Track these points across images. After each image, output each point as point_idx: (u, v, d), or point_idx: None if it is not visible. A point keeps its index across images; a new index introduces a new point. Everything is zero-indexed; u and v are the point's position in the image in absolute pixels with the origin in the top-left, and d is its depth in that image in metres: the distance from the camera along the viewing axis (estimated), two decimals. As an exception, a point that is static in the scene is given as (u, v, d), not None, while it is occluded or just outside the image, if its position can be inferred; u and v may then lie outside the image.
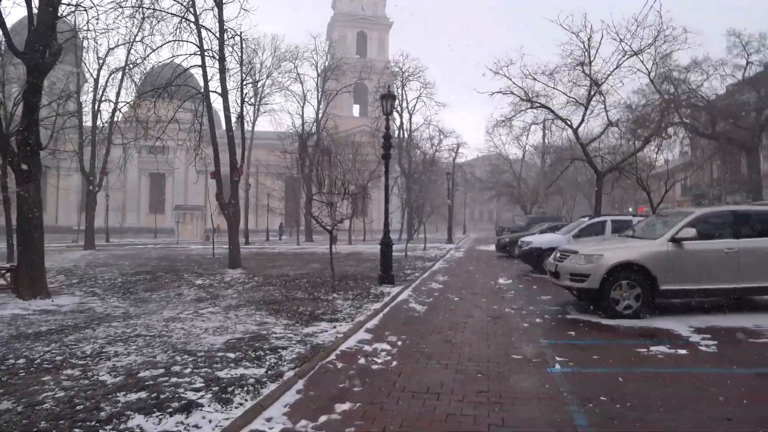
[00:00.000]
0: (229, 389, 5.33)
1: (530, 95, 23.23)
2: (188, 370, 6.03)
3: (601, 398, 5.15)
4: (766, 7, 73.01)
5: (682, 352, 6.96)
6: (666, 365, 6.38)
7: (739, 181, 44.13)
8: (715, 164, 52.48)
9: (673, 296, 9.48)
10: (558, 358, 6.62)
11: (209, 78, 20.64)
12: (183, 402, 4.99)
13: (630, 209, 79.17)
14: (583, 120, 23.59)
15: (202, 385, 5.48)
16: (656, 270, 9.21)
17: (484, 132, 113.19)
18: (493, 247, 30.29)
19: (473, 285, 14.29)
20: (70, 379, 5.84)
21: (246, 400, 5.09)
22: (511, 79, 23.16)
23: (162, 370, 6.05)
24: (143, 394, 5.22)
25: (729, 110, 33.80)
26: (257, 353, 6.78)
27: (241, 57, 21.78)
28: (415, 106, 46.58)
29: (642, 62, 22.76)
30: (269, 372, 5.98)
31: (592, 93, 22.83)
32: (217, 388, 5.36)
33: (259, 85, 53.38)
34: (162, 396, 5.16)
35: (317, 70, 46.76)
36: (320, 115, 46.12)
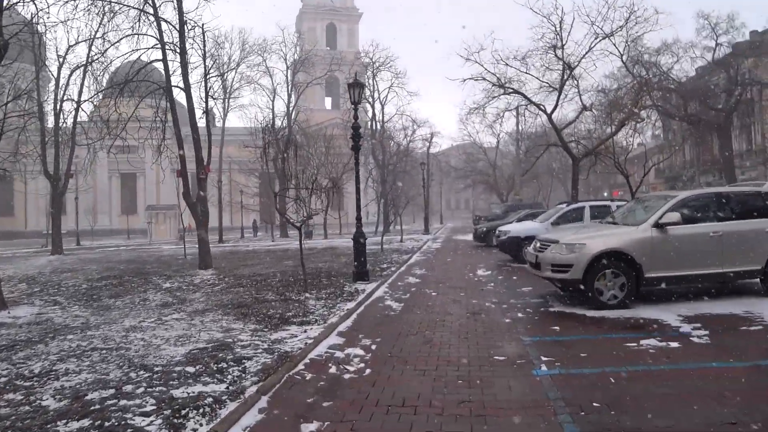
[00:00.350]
0: (183, 412, 4.77)
1: (503, 81, 22.83)
2: (141, 390, 5.45)
3: (594, 404, 4.72)
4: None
5: (674, 345, 6.57)
6: (659, 361, 5.99)
7: (711, 162, 44.54)
8: (687, 146, 52.98)
9: (659, 284, 9.12)
10: (543, 358, 6.19)
11: (171, 72, 19.87)
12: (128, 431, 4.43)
13: (605, 194, 79.84)
14: (557, 105, 23.35)
15: (153, 407, 4.91)
16: (641, 257, 8.86)
17: (458, 121, 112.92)
18: (470, 237, 29.97)
19: (451, 278, 13.86)
20: (9, 405, 5.22)
21: (201, 425, 4.54)
22: (482, 65, 22.82)
23: (112, 391, 5.47)
24: (86, 423, 4.65)
25: (700, 92, 33.94)
26: (219, 366, 6.23)
27: (204, 50, 21.08)
28: (387, 96, 46.04)
29: (614, 45, 22.57)
30: (230, 388, 5.43)
31: (566, 77, 22.48)
32: (170, 411, 4.81)
33: (227, 79, 52.58)
34: (106, 424, 4.60)
35: (286, 63, 45.93)
36: (291, 109, 45.35)
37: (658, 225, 9.02)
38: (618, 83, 27.24)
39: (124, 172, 66.70)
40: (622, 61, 23.34)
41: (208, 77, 21.18)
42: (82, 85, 30.04)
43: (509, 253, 16.97)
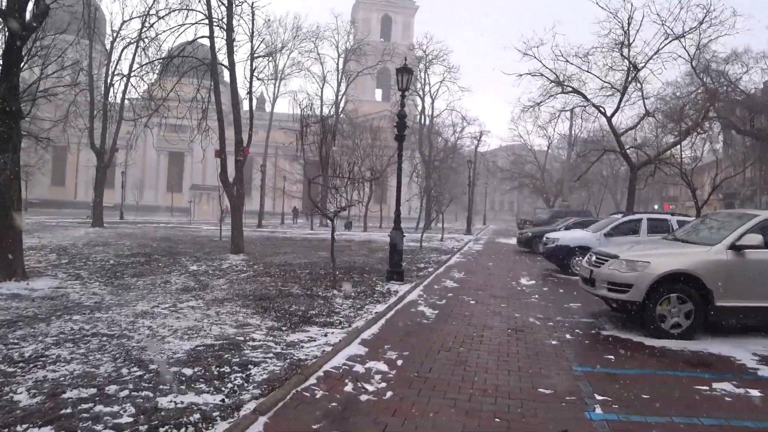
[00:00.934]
0: (161, 430, 4.01)
1: (561, 79, 21.50)
2: (125, 393, 4.73)
3: (666, 471, 3.75)
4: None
5: (755, 393, 5.50)
6: (740, 414, 4.92)
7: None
8: (747, 163, 50.20)
9: (731, 315, 7.96)
10: (598, 396, 5.21)
11: (217, 50, 19.35)
12: (91, 450, 3.69)
13: (656, 207, 76.75)
14: (618, 107, 21.77)
15: (129, 420, 4.17)
16: (712, 282, 7.72)
17: (509, 120, 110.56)
18: (513, 241, 28.77)
19: (492, 285, 12.85)
20: (-21, 394, 4.60)
21: (176, 452, 3.77)
22: (540, 61, 21.46)
23: (94, 390, 4.77)
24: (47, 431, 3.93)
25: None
26: (221, 370, 5.47)
27: (252, 28, 20.51)
28: (437, 90, 44.97)
29: (684, 48, 20.92)
30: (226, 401, 4.65)
31: (630, 78, 20.93)
32: (146, 427, 4.05)
33: (278, 64, 52.49)
34: (70, 436, 3.87)
35: (338, 51, 45.30)
36: (339, 97, 44.78)
37: (734, 247, 7.86)
38: (680, 91, 25.46)
39: (173, 151, 67.19)
40: (692, 65, 21.65)
41: (254, 57, 20.58)
42: (133, 60, 30.10)
43: (556, 263, 15.84)
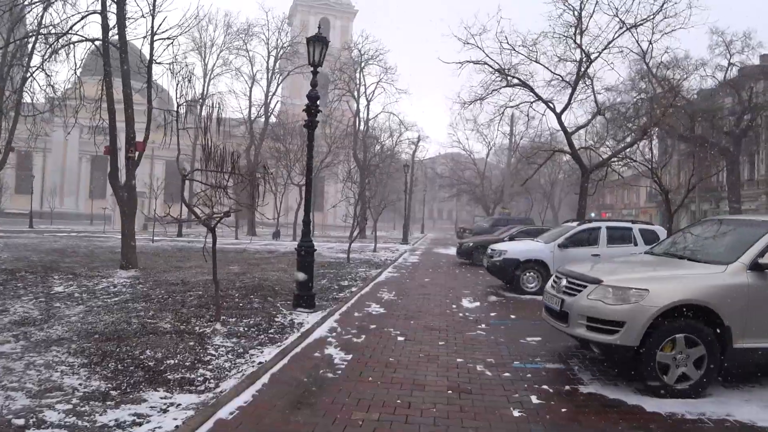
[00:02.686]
0: None
1: (506, 69, 19.27)
2: None
3: None
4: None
5: None
6: None
7: (711, 188, 41.91)
8: (683, 170, 50.07)
9: (754, 359, 5.74)
10: None
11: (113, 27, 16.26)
12: None
13: (593, 215, 76.81)
14: (569, 103, 19.74)
15: None
16: (730, 316, 5.49)
17: (447, 125, 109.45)
18: (453, 251, 26.59)
19: (427, 310, 10.31)
20: None
21: None
22: (483, 50, 19.07)
23: None
24: None
25: (708, 113, 31.05)
26: None
27: (154, 4, 17.36)
28: (374, 92, 42.41)
29: (637, 42, 19.18)
30: None
31: (583, 69, 18.99)
32: None
33: (207, 63, 48.99)
34: None
35: (268, 48, 42.22)
36: (269, 97, 41.76)
37: (758, 266, 5.66)
38: (633, 89, 23.75)
39: (96, 155, 63.49)
40: (644, 61, 20.00)
41: (154, 38, 17.47)
42: (32, 49, 26.36)
43: (503, 279, 13.56)
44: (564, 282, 6.45)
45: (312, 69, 9.90)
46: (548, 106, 19.57)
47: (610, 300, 5.67)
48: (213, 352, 6.52)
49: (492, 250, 13.76)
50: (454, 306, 10.82)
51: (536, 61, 19.00)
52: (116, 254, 19.49)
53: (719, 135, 31.47)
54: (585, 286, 6.02)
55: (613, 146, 22.73)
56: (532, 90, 19.33)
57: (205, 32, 49.25)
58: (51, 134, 28.73)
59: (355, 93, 41.82)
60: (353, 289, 12.19)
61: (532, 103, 20.03)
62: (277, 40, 42.27)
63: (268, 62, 42.28)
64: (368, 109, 43.18)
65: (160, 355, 6.25)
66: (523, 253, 12.95)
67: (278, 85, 42.56)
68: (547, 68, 19.24)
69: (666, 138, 33.83)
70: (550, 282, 7.05)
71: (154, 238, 29.75)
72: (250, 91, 42.52)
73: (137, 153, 15.87)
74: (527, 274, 12.73)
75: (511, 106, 20.22)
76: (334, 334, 7.91)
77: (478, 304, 11.21)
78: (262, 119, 42.20)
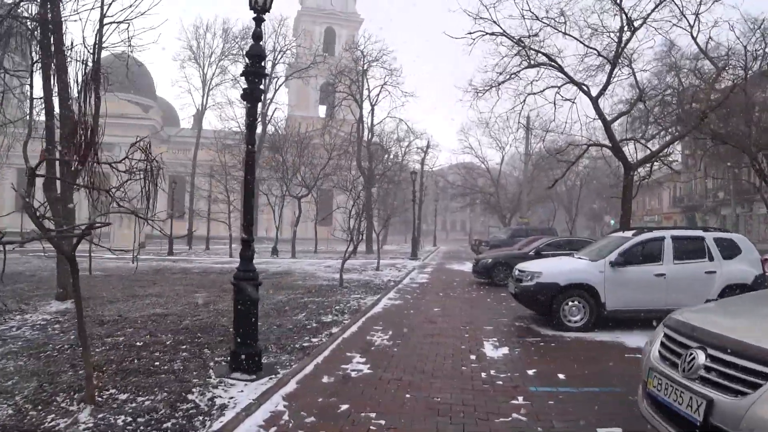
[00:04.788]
0: None
1: (529, 43, 15.82)
2: None
3: None
4: None
5: None
6: None
7: (742, 190, 38.30)
8: (709, 173, 46.30)
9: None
10: None
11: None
12: None
13: (611, 222, 72.71)
14: (608, 83, 15.96)
15: None
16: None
17: (458, 132, 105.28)
18: (468, 267, 23.28)
19: (435, 368, 6.98)
20: None
21: None
22: (498, 24, 15.54)
23: None
24: None
25: (741, 110, 27.52)
26: None
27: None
28: (378, 95, 39.25)
29: (683, 13, 15.67)
30: None
31: (625, 40, 15.50)
32: None
33: (206, 73, 46.42)
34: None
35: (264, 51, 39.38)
36: (267, 105, 38.87)
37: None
38: (659, 81, 20.09)
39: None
40: (693, 37, 16.55)
41: (104, 21, 14.54)
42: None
43: (536, 310, 10.27)
44: (701, 359, 3.14)
45: (255, 15, 6.78)
46: (581, 89, 16.03)
47: None
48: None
49: (520, 271, 10.41)
50: (472, 356, 7.52)
51: (565, 34, 15.54)
52: (82, 277, 16.81)
53: (759, 133, 27.87)
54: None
55: (654, 138, 19.14)
56: (560, 69, 15.81)
57: (203, 40, 47.10)
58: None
59: (358, 97, 38.78)
60: (333, 330, 8.88)
61: (559, 87, 16.54)
62: (275, 43, 39.49)
63: (264, 66, 39.45)
64: (372, 114, 40.14)
65: None
66: (564, 275, 9.63)
67: (276, 91, 39.72)
68: (580, 41, 15.74)
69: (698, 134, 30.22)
70: (656, 346, 3.76)
71: (138, 257, 26.84)
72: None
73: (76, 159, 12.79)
74: (570, 303, 9.44)
75: (534, 93, 16.74)
76: (272, 431, 4.69)
77: (506, 350, 7.91)
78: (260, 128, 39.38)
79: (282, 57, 39.67)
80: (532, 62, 15.95)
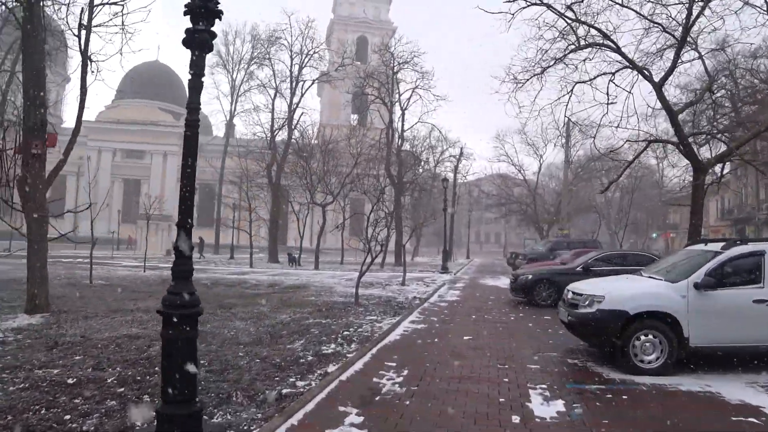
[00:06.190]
0: None
1: (576, 19, 13.26)
2: None
3: None
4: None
5: None
6: None
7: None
8: (762, 183, 43.08)
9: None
10: None
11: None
12: None
13: (654, 235, 68.95)
14: (674, 66, 13.51)
15: None
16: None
17: (492, 138, 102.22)
18: (504, 282, 21.00)
19: None
20: None
21: None
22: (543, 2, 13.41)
23: None
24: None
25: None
26: None
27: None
28: (409, 99, 37.27)
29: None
30: None
31: (695, 15, 12.61)
32: None
33: (235, 79, 45.45)
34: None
35: (290, 53, 37.87)
36: (293, 108, 37.33)
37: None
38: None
39: (128, 177, 65.57)
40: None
41: (94, 2, 12.95)
42: None
43: (597, 345, 8.02)
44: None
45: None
46: (643, 74, 13.55)
47: None
48: None
49: (575, 294, 8.10)
50: (515, 417, 5.33)
51: (622, 5, 12.93)
52: (67, 288, 15.39)
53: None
54: None
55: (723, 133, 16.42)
56: (618, 50, 13.31)
57: (232, 46, 46.12)
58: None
59: (388, 100, 36.85)
60: (330, 368, 6.78)
61: (614, 74, 14.11)
62: (302, 45, 37.90)
63: (291, 69, 38.01)
64: (403, 119, 38.17)
65: None
66: (636, 300, 7.33)
67: (302, 95, 38.07)
68: (641, 14, 13.09)
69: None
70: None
71: (147, 265, 25.37)
72: (273, 103, 38.35)
73: (40, 148, 11.02)
74: (643, 337, 7.17)
75: (583, 81, 14.32)
76: None
77: (561, 405, 5.71)
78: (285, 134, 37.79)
79: (309, 60, 38.02)
80: (582, 42, 13.61)
